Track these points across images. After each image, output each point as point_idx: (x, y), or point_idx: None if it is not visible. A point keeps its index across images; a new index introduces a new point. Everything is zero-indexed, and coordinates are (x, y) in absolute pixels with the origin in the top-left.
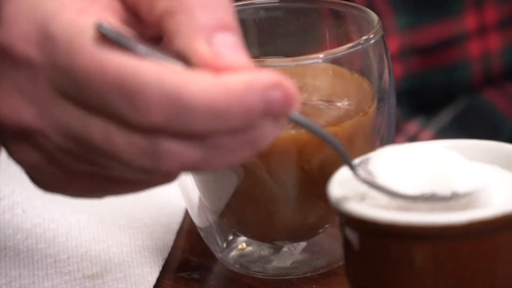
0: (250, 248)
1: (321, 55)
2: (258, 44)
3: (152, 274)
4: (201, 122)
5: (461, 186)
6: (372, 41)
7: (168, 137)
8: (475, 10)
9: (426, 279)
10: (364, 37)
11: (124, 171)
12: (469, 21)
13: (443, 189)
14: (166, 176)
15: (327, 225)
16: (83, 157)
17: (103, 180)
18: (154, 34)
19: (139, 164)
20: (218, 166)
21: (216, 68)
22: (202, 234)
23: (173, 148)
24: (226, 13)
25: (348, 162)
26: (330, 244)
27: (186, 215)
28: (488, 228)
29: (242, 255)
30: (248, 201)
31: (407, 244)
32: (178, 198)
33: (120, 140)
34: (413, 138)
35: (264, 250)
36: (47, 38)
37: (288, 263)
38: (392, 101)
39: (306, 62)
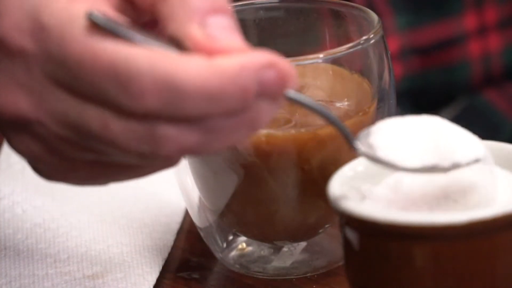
0: (250, 248)
1: (321, 55)
2: (258, 44)
3: (152, 274)
4: (196, 105)
5: (462, 157)
6: (372, 41)
7: (165, 122)
8: (475, 10)
9: (426, 279)
10: (364, 37)
11: (123, 157)
12: (469, 21)
13: (444, 160)
14: (166, 161)
15: (327, 225)
16: (82, 145)
17: (104, 166)
18: (148, 20)
19: (137, 150)
20: (217, 148)
21: (209, 51)
22: (202, 234)
23: (170, 132)
24: None
25: (347, 137)
26: (330, 244)
27: (186, 215)
28: (488, 228)
29: (242, 255)
30: (248, 201)
31: (407, 244)
32: (178, 198)
33: (117, 127)
34: None
35: (264, 250)
36: (39, 28)
37: (288, 263)
38: (392, 101)
39: (306, 62)
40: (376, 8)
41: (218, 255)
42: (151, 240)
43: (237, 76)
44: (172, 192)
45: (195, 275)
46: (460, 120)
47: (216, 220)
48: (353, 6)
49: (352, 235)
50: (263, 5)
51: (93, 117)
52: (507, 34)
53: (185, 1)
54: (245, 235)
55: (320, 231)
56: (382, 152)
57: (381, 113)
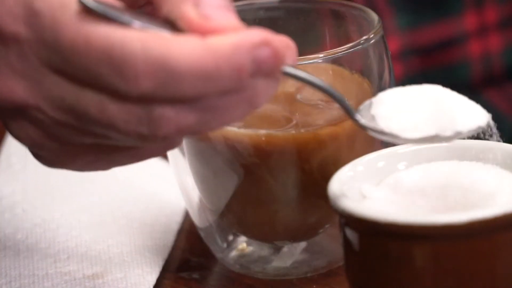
0: (250, 248)
1: (321, 55)
2: None
3: (152, 274)
4: (191, 86)
5: (463, 125)
6: (372, 41)
7: (161, 103)
8: (475, 10)
9: (426, 279)
10: (364, 37)
11: (123, 139)
12: (469, 21)
13: (446, 130)
14: (166, 142)
15: (327, 225)
16: (80, 129)
17: (104, 150)
18: (145, 3)
19: (136, 132)
20: (215, 126)
21: (204, 31)
22: (202, 234)
23: (167, 113)
24: None
25: (348, 110)
26: (330, 244)
27: (186, 215)
28: (489, 228)
29: (242, 255)
30: (248, 201)
31: (407, 244)
32: (178, 198)
33: (115, 110)
34: None
35: (264, 250)
36: (32, 14)
37: (288, 263)
38: None
39: (306, 62)
40: (376, 8)
41: (218, 255)
42: (151, 240)
43: (232, 55)
44: (172, 192)
45: (195, 275)
46: None
47: (216, 220)
48: (353, 6)
49: (352, 235)
50: (263, 5)
51: (90, 101)
52: (507, 34)
53: None
54: (245, 235)
55: (320, 231)
56: (384, 124)
57: None
